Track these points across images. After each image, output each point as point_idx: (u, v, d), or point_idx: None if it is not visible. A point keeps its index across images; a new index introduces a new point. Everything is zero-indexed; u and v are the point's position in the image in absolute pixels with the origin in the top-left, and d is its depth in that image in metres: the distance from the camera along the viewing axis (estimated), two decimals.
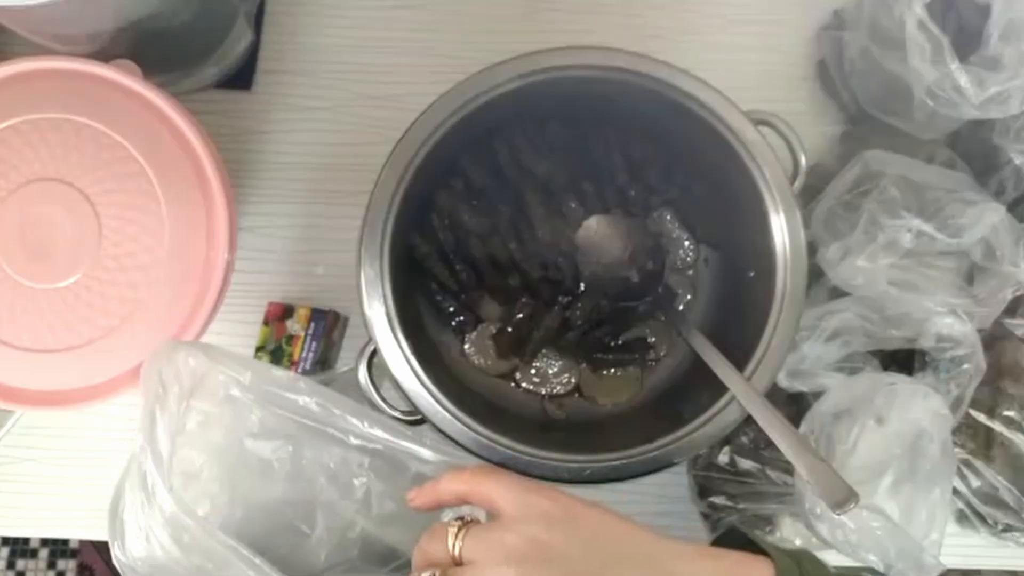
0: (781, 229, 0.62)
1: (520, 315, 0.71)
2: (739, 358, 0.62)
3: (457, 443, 0.60)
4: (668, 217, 0.74)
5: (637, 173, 0.72)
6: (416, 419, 0.61)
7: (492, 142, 0.70)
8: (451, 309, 0.71)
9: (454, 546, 0.42)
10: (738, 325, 0.66)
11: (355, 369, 0.62)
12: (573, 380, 0.72)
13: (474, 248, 0.70)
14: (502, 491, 0.44)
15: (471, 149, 0.70)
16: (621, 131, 0.71)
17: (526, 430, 0.65)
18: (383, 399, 0.61)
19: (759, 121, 0.63)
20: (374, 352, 0.61)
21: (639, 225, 0.72)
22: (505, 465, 0.60)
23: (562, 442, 0.64)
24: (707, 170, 0.69)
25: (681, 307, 0.73)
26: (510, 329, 0.71)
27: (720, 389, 0.61)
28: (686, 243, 0.73)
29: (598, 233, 0.71)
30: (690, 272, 0.74)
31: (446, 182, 0.70)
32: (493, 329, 0.72)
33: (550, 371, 0.72)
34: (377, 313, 0.60)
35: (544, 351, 0.72)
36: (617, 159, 0.71)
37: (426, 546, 0.44)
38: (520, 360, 0.72)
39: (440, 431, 0.60)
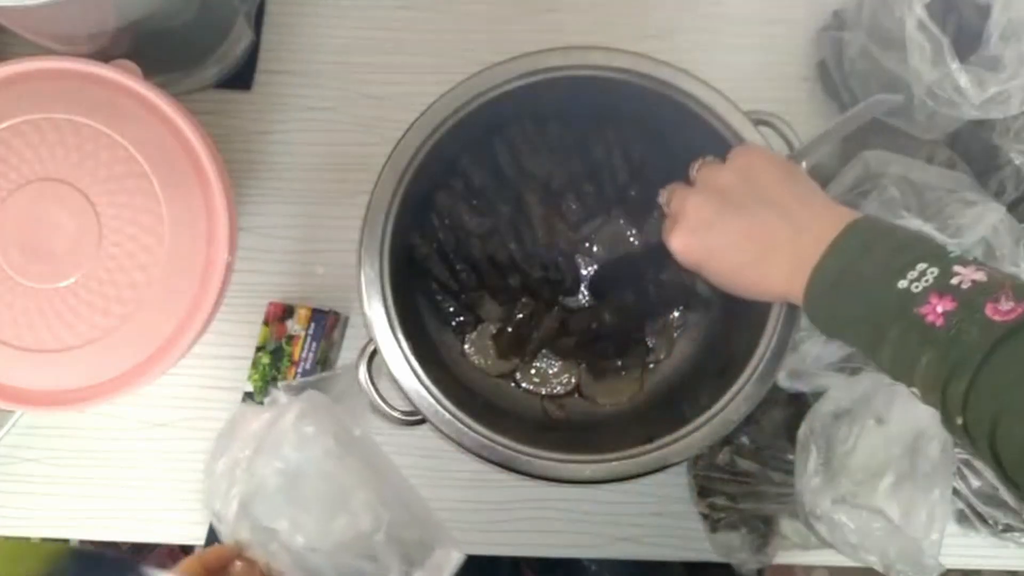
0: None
1: (520, 315, 0.71)
2: (739, 359, 0.62)
3: (457, 443, 0.60)
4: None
5: (637, 173, 0.72)
6: (416, 419, 0.61)
7: (492, 142, 0.70)
8: (451, 309, 0.71)
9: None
10: (738, 326, 0.66)
11: (355, 369, 0.62)
12: (573, 380, 0.72)
13: (474, 248, 0.70)
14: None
15: (471, 149, 0.70)
16: (621, 131, 0.71)
17: (526, 430, 0.65)
18: (383, 399, 0.61)
19: (759, 121, 0.63)
20: (374, 352, 0.61)
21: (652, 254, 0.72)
22: (504, 465, 0.60)
23: (562, 442, 0.64)
24: None
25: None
26: (510, 329, 0.71)
27: (719, 390, 0.61)
28: None
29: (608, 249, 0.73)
30: (690, 273, 0.74)
31: (446, 182, 0.70)
32: (493, 329, 0.72)
33: (550, 371, 0.72)
34: (377, 313, 0.60)
35: (544, 351, 0.72)
36: (617, 159, 0.71)
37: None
38: (520, 360, 0.72)
39: (440, 431, 0.60)
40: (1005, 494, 0.68)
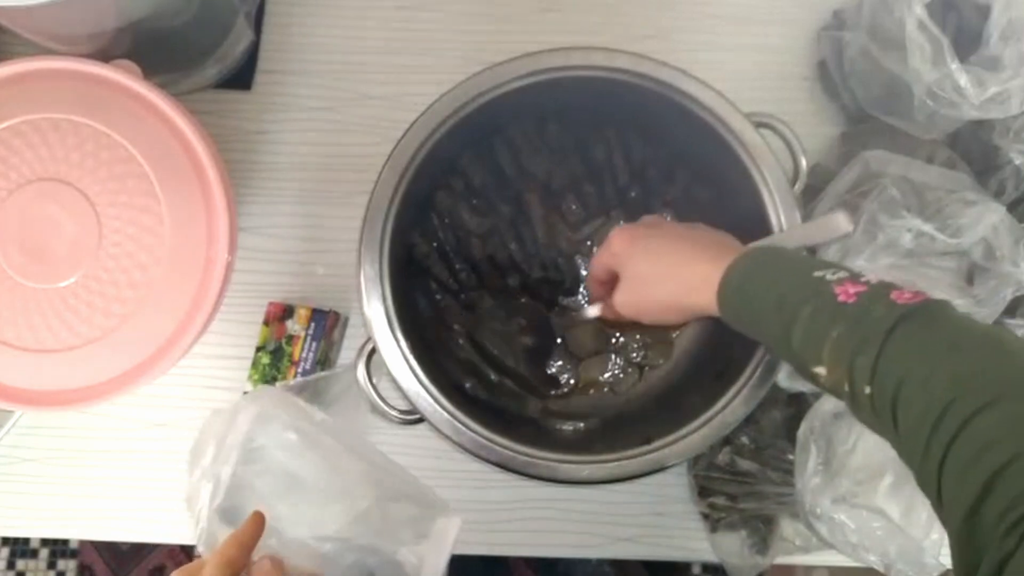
0: (780, 232, 0.62)
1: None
2: (738, 363, 0.62)
3: (454, 442, 0.60)
4: (668, 218, 0.74)
5: (638, 174, 0.72)
6: (414, 418, 0.61)
7: (493, 142, 0.70)
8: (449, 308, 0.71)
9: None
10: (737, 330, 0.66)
11: (353, 368, 0.62)
12: (572, 381, 0.72)
13: (474, 248, 0.70)
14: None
15: (472, 149, 0.70)
16: (623, 132, 0.71)
17: (523, 429, 0.65)
18: (381, 398, 0.61)
19: (760, 123, 0.63)
20: (372, 351, 0.61)
21: None
22: (502, 465, 0.59)
23: (559, 442, 0.65)
24: (708, 172, 0.69)
25: None
26: None
27: (715, 393, 0.61)
28: None
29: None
30: None
31: (446, 181, 0.70)
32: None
33: (549, 371, 0.72)
34: (376, 312, 0.60)
35: None
36: (618, 160, 0.71)
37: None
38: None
39: (437, 430, 0.60)
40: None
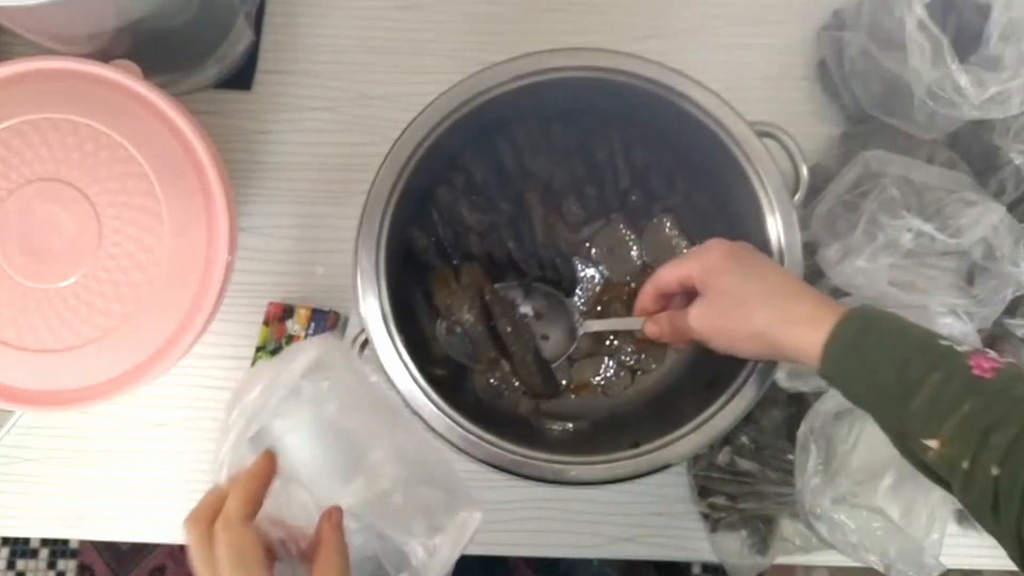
0: (779, 243, 0.63)
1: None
2: (729, 370, 0.62)
3: (444, 438, 0.60)
4: (668, 224, 0.74)
5: (639, 178, 0.72)
6: None
7: (495, 140, 0.70)
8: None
9: None
10: None
11: None
12: (564, 382, 0.72)
13: (472, 244, 0.70)
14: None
15: (474, 146, 0.70)
16: (626, 135, 0.71)
17: (515, 428, 0.65)
18: None
19: (763, 133, 0.63)
20: (365, 343, 0.61)
21: None
22: (491, 463, 0.59)
23: (549, 443, 0.65)
24: (708, 178, 0.69)
25: None
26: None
27: (706, 400, 0.61)
28: (684, 251, 0.73)
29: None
30: None
31: (447, 177, 0.70)
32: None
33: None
34: (371, 306, 0.60)
35: None
36: (620, 163, 0.71)
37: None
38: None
39: (428, 426, 0.60)
40: None
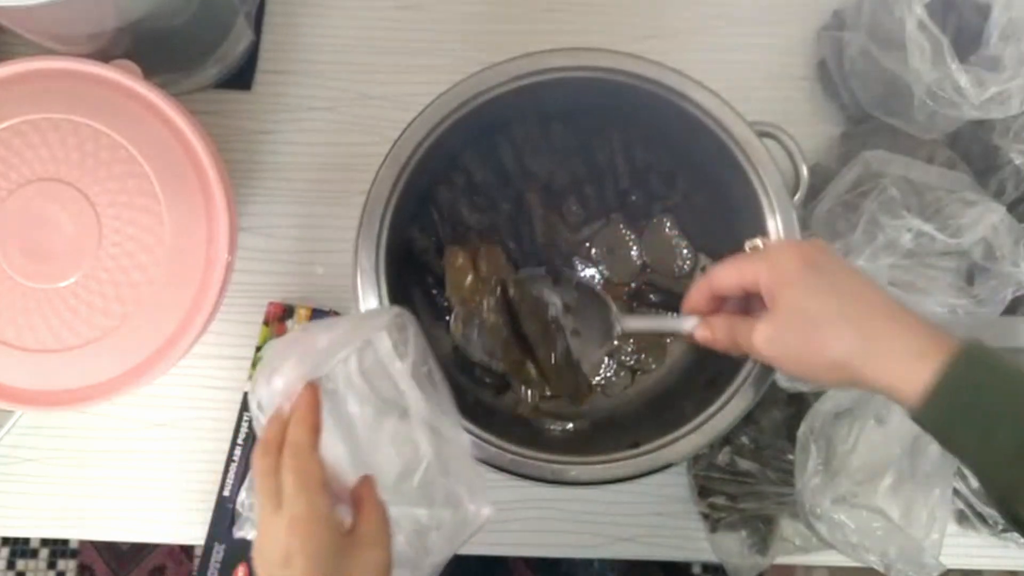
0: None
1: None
2: (729, 370, 0.62)
3: None
4: (668, 224, 0.74)
5: (640, 178, 0.72)
6: None
7: (496, 139, 0.70)
8: (446, 304, 0.71)
9: None
10: None
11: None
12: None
13: (472, 244, 0.70)
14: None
15: (474, 145, 0.70)
16: (626, 135, 0.71)
17: (515, 428, 0.65)
18: None
19: (763, 133, 0.63)
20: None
21: None
22: (490, 463, 0.59)
23: (549, 443, 0.64)
24: (708, 178, 0.69)
25: None
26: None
27: (706, 401, 0.61)
28: (684, 251, 0.73)
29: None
30: (687, 280, 0.74)
31: (448, 177, 0.70)
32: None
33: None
34: (371, 306, 0.60)
35: None
36: (620, 163, 0.71)
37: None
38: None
39: None
40: None
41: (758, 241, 0.54)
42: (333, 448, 0.49)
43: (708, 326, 0.54)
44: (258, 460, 0.47)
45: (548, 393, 0.62)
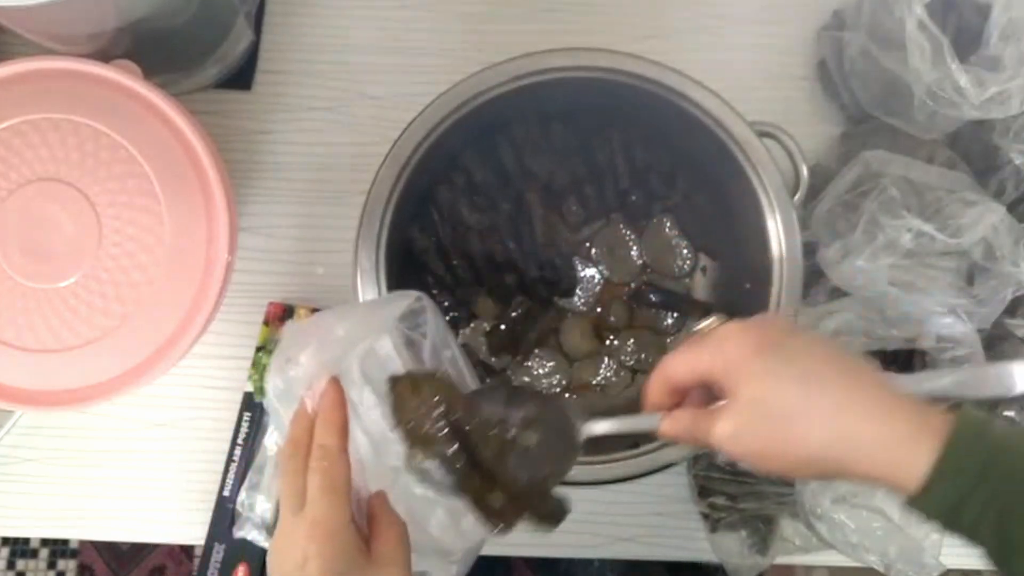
0: (779, 243, 0.63)
1: (515, 314, 0.71)
2: None
3: None
4: (668, 224, 0.74)
5: (640, 178, 0.72)
6: None
7: (496, 140, 0.70)
8: (446, 304, 0.71)
9: None
10: None
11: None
12: (564, 382, 0.72)
13: (472, 244, 0.70)
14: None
15: (474, 145, 0.70)
16: (626, 135, 0.71)
17: None
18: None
19: (763, 133, 0.63)
20: None
21: None
22: None
23: None
24: (709, 178, 0.69)
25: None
26: (504, 327, 0.71)
27: (705, 401, 0.61)
28: (684, 251, 0.73)
29: None
30: (687, 280, 0.74)
31: (448, 177, 0.70)
32: (487, 326, 0.72)
33: (541, 371, 0.72)
34: None
35: (537, 351, 0.72)
36: (620, 163, 0.71)
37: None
38: (512, 359, 0.72)
39: None
40: None
41: (713, 320, 0.50)
42: (354, 440, 0.48)
43: (673, 421, 0.48)
44: (285, 460, 0.46)
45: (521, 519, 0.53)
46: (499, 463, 0.50)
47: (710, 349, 0.45)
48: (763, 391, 0.42)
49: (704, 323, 0.48)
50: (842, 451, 0.41)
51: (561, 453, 0.52)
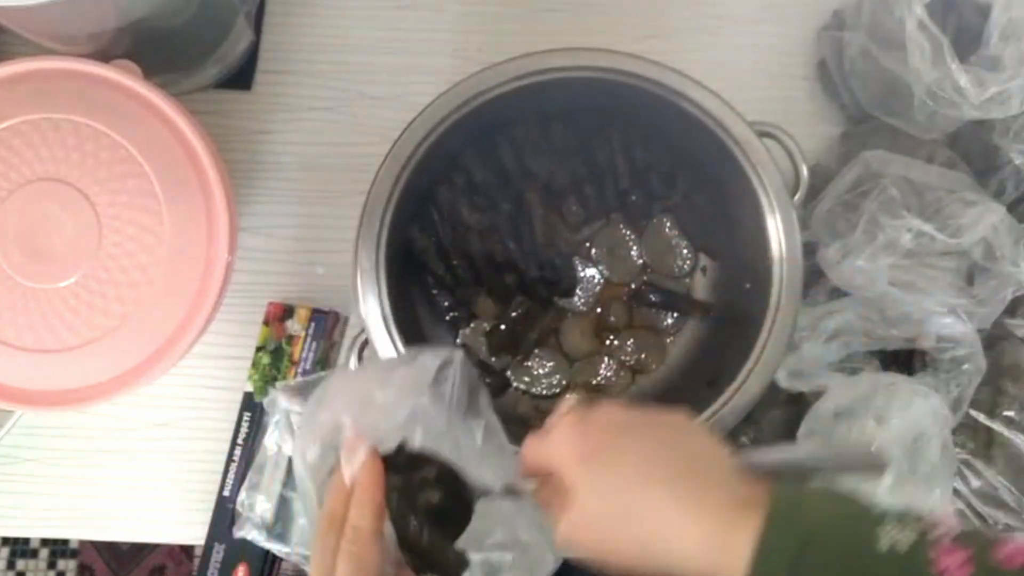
0: (779, 243, 0.62)
1: (515, 314, 0.71)
2: (731, 367, 0.62)
3: None
4: (668, 224, 0.74)
5: (640, 178, 0.72)
6: None
7: (496, 140, 0.70)
8: (446, 304, 0.71)
9: None
10: (731, 334, 0.66)
11: (345, 360, 0.61)
12: (564, 381, 0.72)
13: (472, 244, 0.70)
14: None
15: (474, 145, 0.70)
16: (626, 135, 0.71)
17: (514, 428, 0.65)
18: None
19: (763, 133, 0.63)
20: (365, 343, 0.61)
21: None
22: None
23: None
24: (709, 178, 0.69)
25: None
26: (504, 327, 0.71)
27: (706, 400, 0.61)
28: (684, 251, 0.73)
29: None
30: (687, 280, 0.74)
31: (448, 177, 0.70)
32: (487, 326, 0.72)
33: (541, 371, 0.72)
34: (371, 305, 0.60)
35: (537, 351, 0.72)
36: (620, 162, 0.71)
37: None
38: (512, 359, 0.72)
39: None
40: (1005, 494, 0.68)
41: (572, 399, 0.49)
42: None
43: (540, 493, 0.47)
44: (319, 537, 0.44)
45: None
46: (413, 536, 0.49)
47: (547, 449, 0.46)
48: (584, 500, 0.43)
49: (564, 402, 0.49)
50: (661, 551, 0.41)
51: (459, 519, 0.51)
